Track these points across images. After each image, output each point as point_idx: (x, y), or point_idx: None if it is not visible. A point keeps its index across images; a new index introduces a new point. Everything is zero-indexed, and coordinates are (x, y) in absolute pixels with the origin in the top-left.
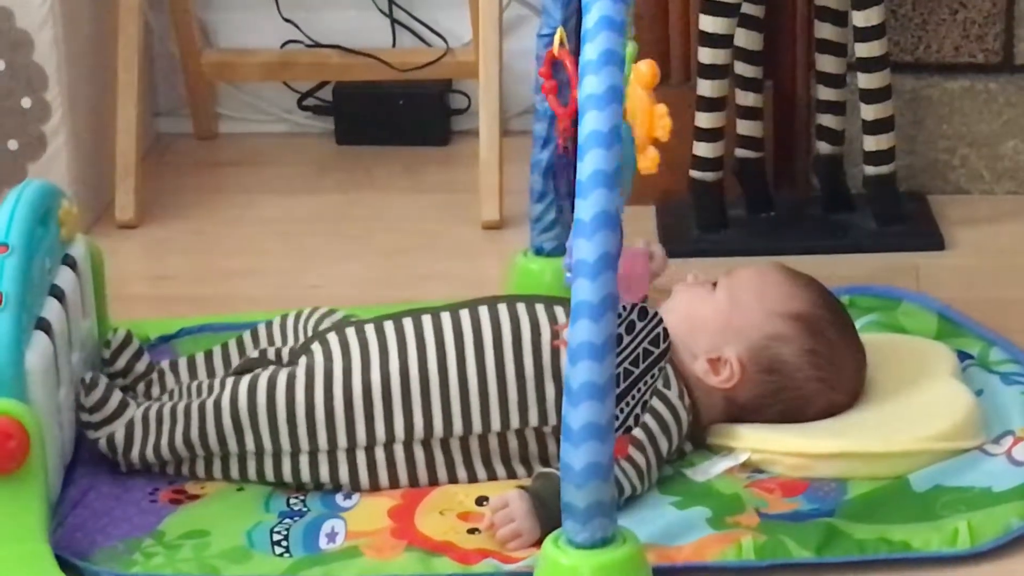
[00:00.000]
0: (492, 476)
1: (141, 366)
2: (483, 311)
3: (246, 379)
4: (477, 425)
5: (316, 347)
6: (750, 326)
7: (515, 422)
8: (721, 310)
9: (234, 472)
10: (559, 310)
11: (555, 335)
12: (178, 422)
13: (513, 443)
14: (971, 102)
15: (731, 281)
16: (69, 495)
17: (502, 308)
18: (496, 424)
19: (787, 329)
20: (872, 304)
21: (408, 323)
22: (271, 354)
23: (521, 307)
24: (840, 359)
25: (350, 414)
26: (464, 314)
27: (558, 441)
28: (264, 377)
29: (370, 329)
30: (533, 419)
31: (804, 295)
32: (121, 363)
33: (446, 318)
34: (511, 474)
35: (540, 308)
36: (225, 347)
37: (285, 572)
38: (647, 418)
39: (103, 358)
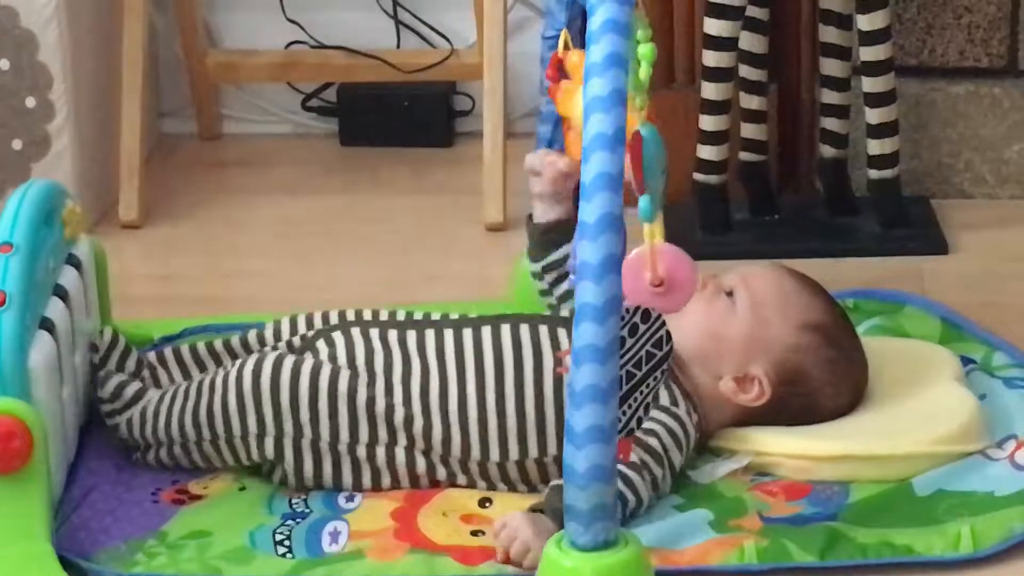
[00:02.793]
0: (492, 489)
1: (131, 364)
2: (486, 334)
3: (252, 357)
4: (476, 453)
5: (321, 345)
6: (774, 341)
7: (515, 454)
8: (745, 328)
9: (242, 455)
10: (562, 333)
11: (558, 362)
12: (190, 398)
13: (513, 472)
14: (975, 106)
15: (749, 293)
16: (71, 495)
17: (505, 331)
18: (495, 455)
19: (808, 340)
20: (875, 308)
21: (411, 338)
22: (267, 352)
23: (524, 331)
24: (851, 364)
25: (353, 411)
26: (467, 336)
27: (559, 468)
28: (270, 358)
29: (375, 337)
30: (533, 450)
31: (819, 303)
32: (112, 364)
33: (449, 339)
34: (512, 489)
35: (543, 331)
36: (223, 342)
37: (288, 573)
38: (662, 434)
39: (92, 363)
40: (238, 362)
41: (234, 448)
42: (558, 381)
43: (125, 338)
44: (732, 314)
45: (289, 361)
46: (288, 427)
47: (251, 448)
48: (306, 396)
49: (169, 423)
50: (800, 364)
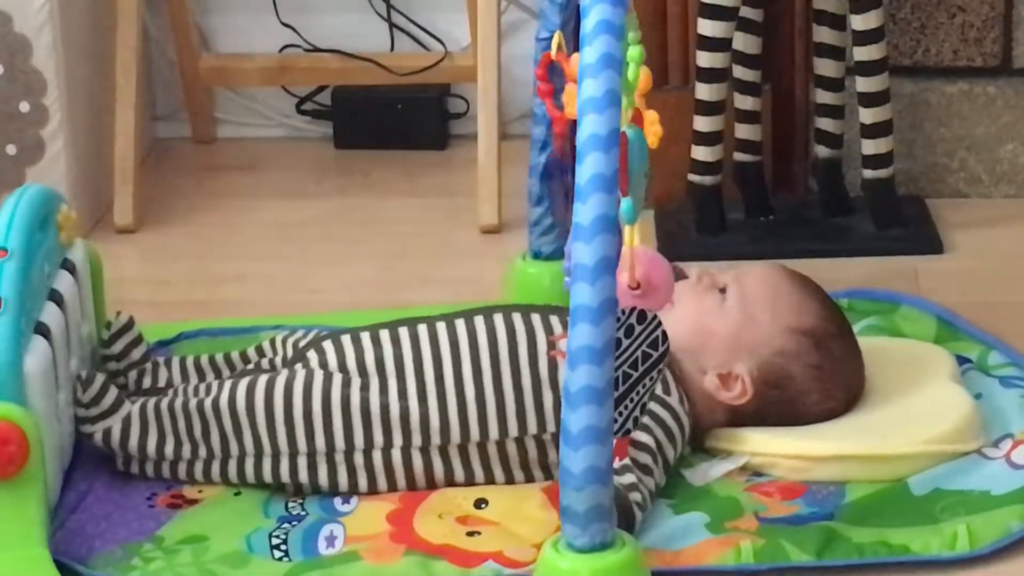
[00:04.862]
0: (490, 479)
1: (137, 354)
2: (479, 322)
3: (245, 380)
4: (475, 434)
5: (312, 355)
6: (761, 341)
7: (514, 430)
8: (733, 325)
9: (232, 474)
10: (555, 320)
11: (551, 345)
12: (178, 420)
13: (512, 450)
14: (969, 105)
15: (741, 291)
16: (67, 499)
17: (498, 319)
18: (494, 433)
19: (796, 345)
20: (871, 308)
21: (404, 334)
22: (264, 364)
23: (517, 317)
24: (842, 372)
25: (347, 418)
26: (460, 325)
27: (558, 447)
28: (263, 379)
29: (366, 339)
30: (532, 427)
31: (812, 307)
32: (118, 347)
33: (441, 329)
34: (509, 479)
35: (536, 318)
36: (223, 357)
37: None
38: (655, 428)
39: (101, 339)
40: (229, 383)
41: (226, 470)
42: (553, 363)
43: (140, 329)
44: (721, 310)
45: (281, 379)
46: (283, 445)
47: (246, 468)
48: (300, 412)
49: (161, 443)
50: (785, 368)
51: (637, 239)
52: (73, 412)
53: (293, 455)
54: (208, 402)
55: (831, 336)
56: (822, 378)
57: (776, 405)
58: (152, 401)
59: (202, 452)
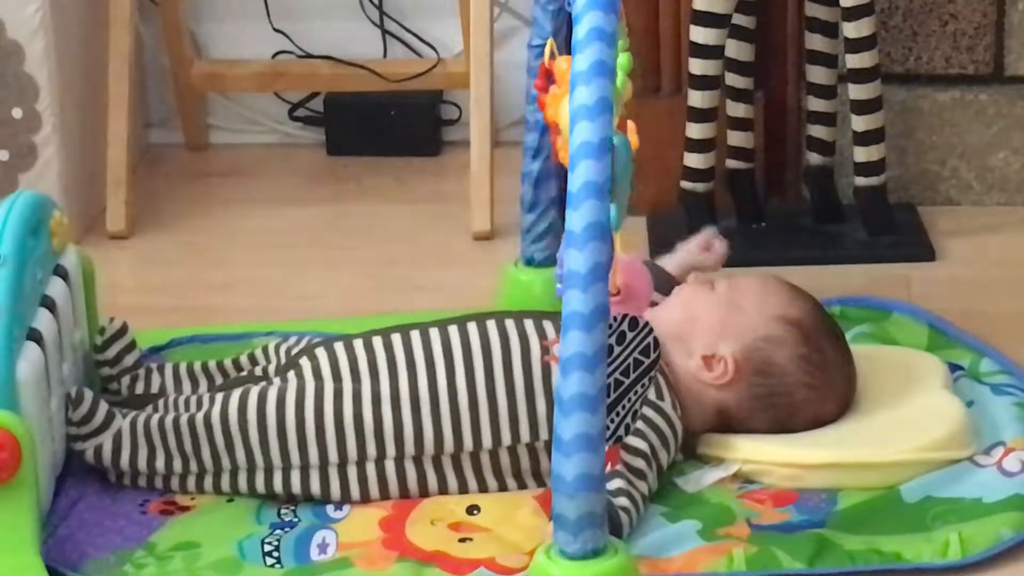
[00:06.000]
0: (483, 488)
1: (130, 360)
2: (472, 328)
3: (236, 393)
4: (468, 443)
5: (305, 362)
6: (747, 327)
7: (507, 439)
8: (719, 309)
9: (225, 487)
10: (548, 325)
11: (545, 351)
12: (168, 435)
13: (505, 459)
14: (961, 113)
15: (732, 282)
16: (59, 506)
17: (491, 325)
18: (487, 442)
19: (782, 333)
20: (863, 315)
21: (397, 340)
22: (258, 371)
23: (510, 323)
24: (831, 368)
25: (340, 431)
26: (453, 331)
27: (550, 455)
28: (254, 392)
29: (359, 346)
30: (524, 435)
31: (802, 304)
32: (112, 353)
33: (435, 335)
34: (502, 487)
35: (529, 324)
36: (216, 364)
37: None
38: (648, 432)
39: (94, 344)
40: (220, 396)
41: (219, 483)
42: (546, 369)
43: (133, 335)
44: (710, 298)
45: (273, 392)
46: (276, 459)
47: (239, 481)
48: (292, 425)
49: (152, 458)
50: (771, 355)
51: (619, 246)
52: (65, 418)
53: (286, 468)
54: (200, 417)
55: (820, 331)
56: (809, 371)
57: (763, 400)
58: (143, 416)
59: (194, 467)
